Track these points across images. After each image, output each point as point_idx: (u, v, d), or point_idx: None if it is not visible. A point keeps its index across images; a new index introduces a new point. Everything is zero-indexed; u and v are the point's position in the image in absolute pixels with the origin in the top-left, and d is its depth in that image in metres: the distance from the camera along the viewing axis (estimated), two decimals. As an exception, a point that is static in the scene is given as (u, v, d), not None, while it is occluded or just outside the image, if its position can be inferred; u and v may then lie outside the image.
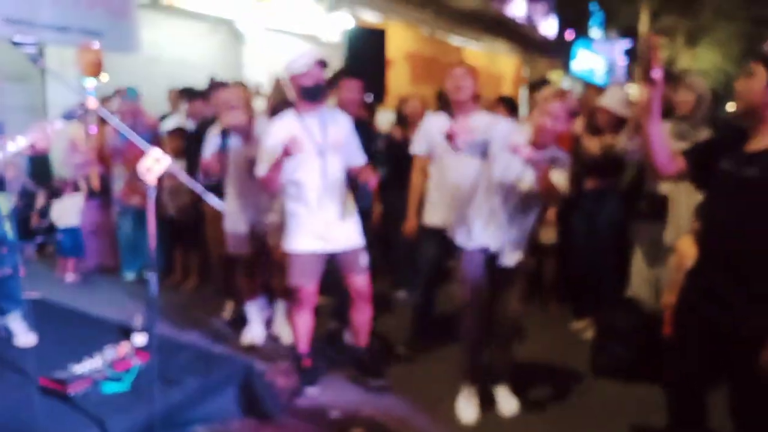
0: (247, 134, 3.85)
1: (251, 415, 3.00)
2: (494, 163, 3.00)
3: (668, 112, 3.91)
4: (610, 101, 4.07)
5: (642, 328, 3.60)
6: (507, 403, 3.28)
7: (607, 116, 4.05)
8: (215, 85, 4.83)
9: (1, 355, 3.04)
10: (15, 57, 2.91)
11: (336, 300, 4.16)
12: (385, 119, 6.09)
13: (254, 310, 4.16)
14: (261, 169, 3.24)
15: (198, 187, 2.67)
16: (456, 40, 14.19)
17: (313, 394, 3.38)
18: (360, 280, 3.44)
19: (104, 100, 5.87)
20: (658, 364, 2.60)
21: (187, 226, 5.18)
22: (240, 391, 3.00)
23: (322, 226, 3.29)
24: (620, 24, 23.52)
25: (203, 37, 9.07)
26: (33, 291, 3.61)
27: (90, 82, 5.24)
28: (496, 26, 15.99)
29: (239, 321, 4.35)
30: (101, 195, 5.66)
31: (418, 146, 3.86)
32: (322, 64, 3.26)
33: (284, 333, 4.12)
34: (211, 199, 2.66)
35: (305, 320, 3.44)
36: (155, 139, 5.32)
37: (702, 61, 19.91)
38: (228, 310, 4.63)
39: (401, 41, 11.06)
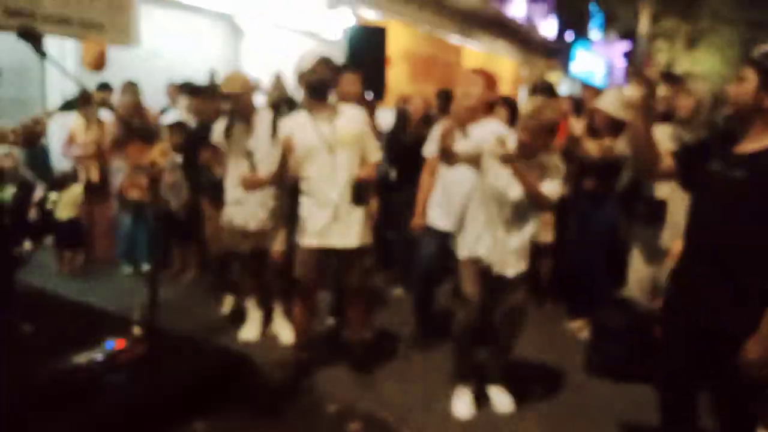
0: (249, 122, 3.85)
1: (248, 408, 3.02)
2: (487, 172, 3.03)
3: (669, 115, 3.94)
4: (606, 103, 4.09)
5: (637, 329, 3.63)
6: (501, 401, 3.31)
7: (604, 118, 4.07)
8: (213, 87, 4.86)
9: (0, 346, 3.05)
10: (13, 48, 2.91)
11: (333, 296, 4.19)
12: (385, 117, 6.10)
13: (253, 307, 4.18)
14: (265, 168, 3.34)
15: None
16: (455, 40, 14.20)
17: (309, 388, 3.40)
18: (358, 280, 3.47)
19: (104, 93, 5.88)
20: (652, 364, 2.63)
21: (185, 220, 5.19)
22: (237, 384, 3.02)
23: (329, 222, 3.31)
24: (620, 26, 23.57)
25: (202, 32, 9.06)
26: (32, 283, 3.62)
27: (92, 76, 5.27)
28: (495, 26, 16.02)
29: (238, 315, 4.37)
30: (100, 188, 5.66)
31: (429, 148, 3.85)
32: (327, 62, 3.27)
33: (281, 332, 4.13)
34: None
35: (305, 314, 3.46)
36: (155, 134, 5.33)
37: (701, 65, 19.96)
38: (227, 304, 4.65)
39: (401, 40, 11.07)
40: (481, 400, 3.35)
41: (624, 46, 25.34)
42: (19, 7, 5.79)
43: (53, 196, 5.39)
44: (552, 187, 2.92)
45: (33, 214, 5.76)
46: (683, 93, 3.77)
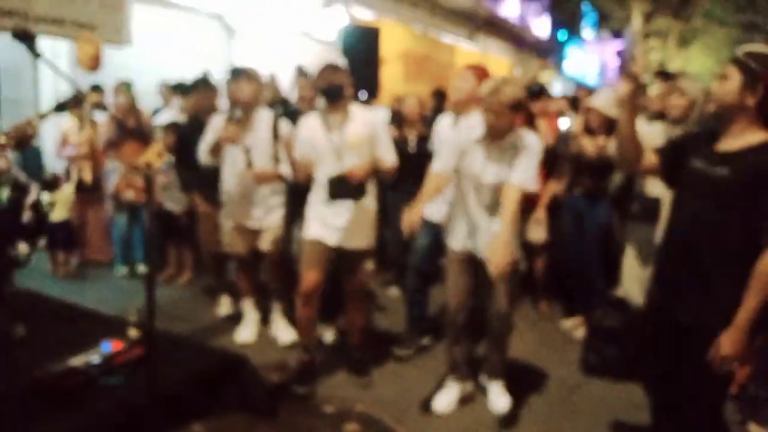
0: (249, 118, 3.84)
1: (246, 409, 3.01)
2: (462, 162, 3.05)
3: (662, 114, 3.96)
4: (600, 102, 4.11)
5: (632, 328, 3.64)
6: (498, 399, 3.31)
7: (598, 117, 4.09)
8: (207, 82, 4.83)
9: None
10: (6, 49, 2.89)
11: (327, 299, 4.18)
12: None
13: (250, 308, 4.17)
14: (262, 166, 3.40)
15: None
16: (449, 39, 14.21)
17: (307, 390, 3.40)
18: (358, 283, 3.49)
19: (97, 95, 5.86)
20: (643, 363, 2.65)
21: (180, 221, 5.18)
22: (235, 385, 3.01)
23: (333, 221, 3.34)
24: (613, 25, 23.62)
25: (195, 32, 9.04)
26: (26, 285, 3.60)
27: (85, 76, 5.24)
28: (488, 26, 16.04)
29: (235, 316, 4.36)
30: (93, 188, 5.64)
31: (439, 165, 3.84)
32: (333, 67, 3.27)
33: (280, 333, 4.12)
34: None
35: (307, 312, 3.45)
36: (149, 134, 5.32)
37: (693, 64, 20.06)
38: (223, 305, 4.64)
39: (394, 39, 11.05)
40: (479, 397, 3.36)
41: (617, 44, 25.42)
42: (12, 7, 5.77)
43: (47, 197, 5.37)
44: (524, 175, 2.91)
45: (27, 215, 5.74)
46: (676, 92, 3.78)
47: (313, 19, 10.31)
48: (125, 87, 5.61)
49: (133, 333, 3.01)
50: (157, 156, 1.93)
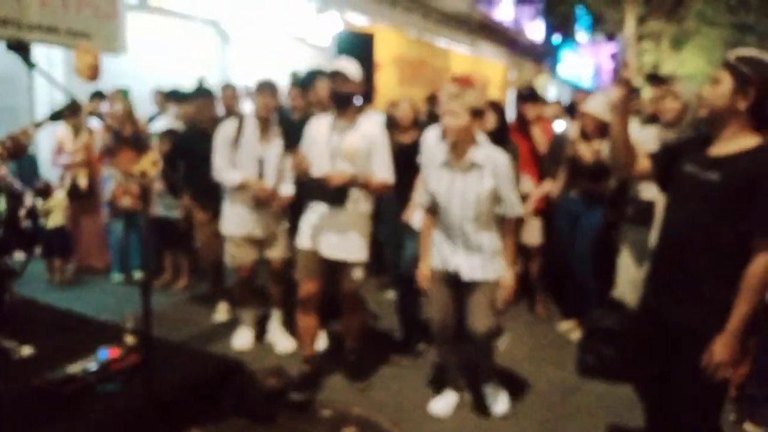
0: (266, 130, 3.86)
1: (243, 415, 3.02)
2: (428, 178, 3.12)
3: (655, 117, 3.98)
4: (594, 107, 4.13)
5: (628, 329, 3.65)
6: (496, 403, 3.32)
7: (593, 121, 4.11)
8: (206, 90, 4.85)
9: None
10: (1, 57, 2.90)
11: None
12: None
13: (247, 317, 4.16)
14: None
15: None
16: (443, 44, 14.25)
17: (304, 394, 3.40)
18: (350, 292, 3.49)
19: (96, 102, 5.87)
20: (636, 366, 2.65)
21: (176, 227, 5.19)
22: (232, 391, 3.02)
23: (323, 228, 3.34)
24: (607, 28, 23.72)
25: (190, 39, 9.06)
26: (22, 293, 3.60)
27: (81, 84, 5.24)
28: (482, 30, 16.10)
29: (232, 322, 4.37)
30: (88, 195, 5.64)
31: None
32: (342, 75, 3.27)
33: (278, 341, 4.12)
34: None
35: (307, 322, 3.47)
36: (145, 141, 5.33)
37: (687, 66, 20.15)
38: (221, 311, 4.64)
39: (389, 44, 11.08)
40: (477, 401, 3.37)
41: (611, 47, 25.52)
42: (6, 16, 5.78)
43: (41, 204, 5.36)
44: (513, 204, 3.03)
45: (23, 223, 5.72)
46: (670, 95, 3.80)
47: (307, 24, 10.35)
48: (122, 94, 5.63)
49: (129, 340, 3.01)
50: (152, 165, 1.95)
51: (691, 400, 2.20)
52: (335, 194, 3.23)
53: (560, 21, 21.87)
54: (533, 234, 4.78)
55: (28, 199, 5.42)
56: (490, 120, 4.41)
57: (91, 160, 5.60)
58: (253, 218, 3.89)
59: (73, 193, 5.51)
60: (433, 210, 3.16)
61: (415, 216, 3.77)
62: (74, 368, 2.72)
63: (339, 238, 3.35)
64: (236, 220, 3.91)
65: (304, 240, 3.41)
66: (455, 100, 2.90)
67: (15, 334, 3.16)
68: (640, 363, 2.45)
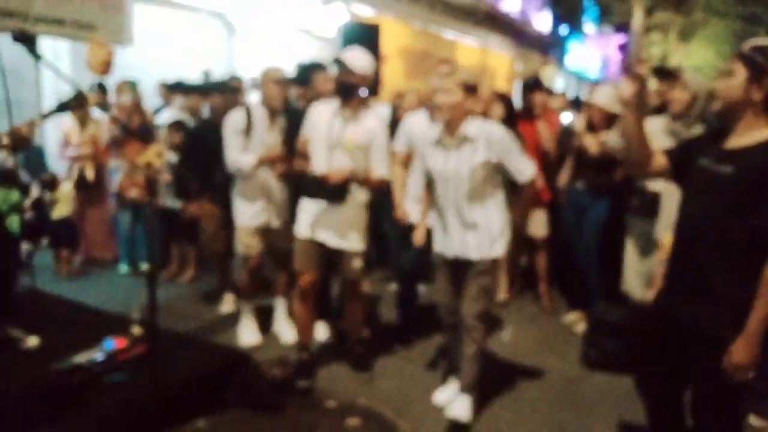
0: (274, 118, 3.86)
1: (249, 405, 3.04)
2: (423, 160, 3.12)
3: (663, 108, 3.96)
4: (601, 98, 4.12)
5: (632, 322, 3.66)
6: (457, 407, 3.10)
7: (600, 113, 4.10)
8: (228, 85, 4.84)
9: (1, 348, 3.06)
10: (7, 49, 2.91)
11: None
12: (381, 114, 6.11)
13: (248, 311, 4.13)
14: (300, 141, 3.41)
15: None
16: (449, 35, 14.19)
17: (309, 385, 3.42)
18: (352, 281, 3.51)
19: (101, 93, 5.88)
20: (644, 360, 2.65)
21: (183, 218, 5.20)
22: (237, 381, 3.04)
23: (322, 219, 3.34)
24: (614, 19, 23.58)
25: (196, 31, 9.05)
26: (30, 284, 3.62)
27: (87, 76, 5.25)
28: (489, 21, 16.00)
29: (239, 314, 4.38)
30: (96, 187, 5.66)
31: (398, 143, 3.90)
32: (341, 64, 3.25)
33: (283, 331, 4.13)
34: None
35: (303, 310, 3.47)
36: (152, 133, 5.34)
37: (695, 58, 20.02)
38: (227, 302, 4.65)
39: (395, 36, 11.06)
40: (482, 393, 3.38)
41: (619, 38, 25.35)
42: (12, 8, 5.78)
43: (48, 195, 5.39)
44: (524, 167, 3.00)
45: (29, 214, 5.75)
46: (679, 86, 3.77)
47: (313, 16, 10.32)
48: (130, 86, 5.63)
49: (136, 330, 3.04)
50: (156, 156, 1.95)
51: (706, 400, 2.16)
52: (334, 191, 3.22)
53: (567, 12, 21.71)
54: (539, 226, 4.78)
55: (35, 191, 5.47)
56: (498, 111, 4.41)
57: (98, 152, 5.62)
58: (268, 208, 3.90)
59: (81, 184, 5.54)
60: (430, 189, 3.19)
61: (409, 210, 3.76)
62: (81, 358, 2.75)
63: (337, 227, 3.36)
64: (251, 211, 3.89)
65: (302, 229, 3.41)
66: (447, 78, 2.93)
67: (22, 325, 3.19)
68: (649, 360, 2.41)
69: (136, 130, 5.20)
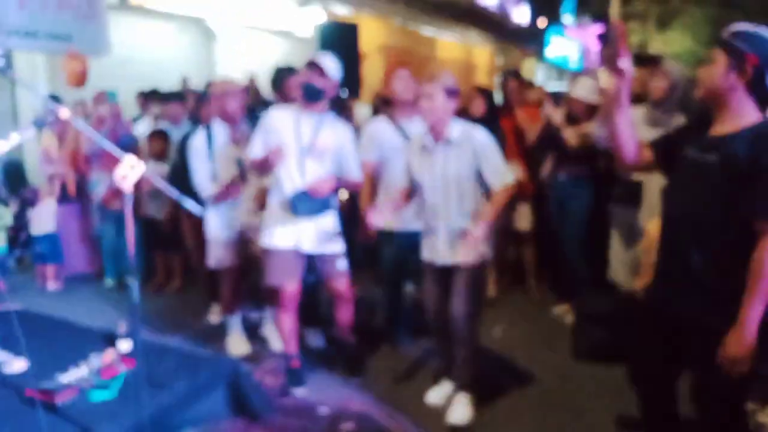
0: (234, 129, 3.80)
1: (240, 415, 3.00)
2: (413, 171, 3.11)
3: (642, 97, 3.97)
4: (581, 91, 4.13)
5: (620, 311, 3.67)
6: (457, 409, 3.13)
7: (580, 106, 4.11)
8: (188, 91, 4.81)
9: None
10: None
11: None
12: (362, 114, 6.09)
13: (235, 323, 4.09)
14: (248, 156, 3.31)
15: (175, 192, 2.63)
16: (428, 31, 14.19)
17: (301, 392, 3.40)
18: (338, 284, 3.45)
19: (79, 105, 5.82)
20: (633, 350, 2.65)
21: (167, 229, 5.15)
22: (228, 391, 3.01)
23: (295, 224, 3.28)
24: (592, 9, 23.66)
25: (174, 37, 8.99)
26: (13, 302, 3.56)
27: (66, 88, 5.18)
28: (468, 16, 16.02)
29: (225, 324, 4.34)
30: (78, 200, 5.60)
31: (365, 153, 3.76)
32: (314, 65, 3.21)
33: (272, 339, 4.09)
34: (190, 205, 2.61)
35: (289, 321, 3.43)
36: (132, 143, 5.28)
37: (673, 45, 20.13)
38: (214, 312, 4.61)
39: (374, 34, 11.05)
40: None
41: (597, 28, 25.45)
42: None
43: (30, 211, 5.33)
44: (499, 173, 2.95)
45: (10, 231, 5.69)
46: (658, 74, 3.77)
47: (290, 17, 10.28)
48: (108, 97, 5.57)
49: (123, 345, 3.00)
50: (131, 168, 1.92)
51: (707, 390, 2.15)
52: (322, 204, 3.22)
53: (545, 4, 21.78)
54: (524, 220, 4.78)
55: (13, 207, 5.39)
56: (479, 105, 4.41)
57: (78, 164, 5.56)
58: (239, 219, 3.85)
59: (63, 198, 5.48)
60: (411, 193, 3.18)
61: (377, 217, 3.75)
62: (67, 376, 2.70)
63: (317, 232, 3.31)
64: (220, 223, 3.85)
65: (280, 240, 3.31)
66: (430, 83, 2.93)
67: (5, 343, 3.13)
68: (643, 352, 2.40)
69: (114, 142, 5.14)
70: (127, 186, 1.94)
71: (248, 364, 3.55)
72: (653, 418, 2.43)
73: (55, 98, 5.81)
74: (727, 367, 1.97)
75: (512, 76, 5.12)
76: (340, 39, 6.07)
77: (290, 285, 3.35)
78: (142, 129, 5.55)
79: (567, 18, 25.31)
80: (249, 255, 3.93)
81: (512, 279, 5.16)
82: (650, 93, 3.78)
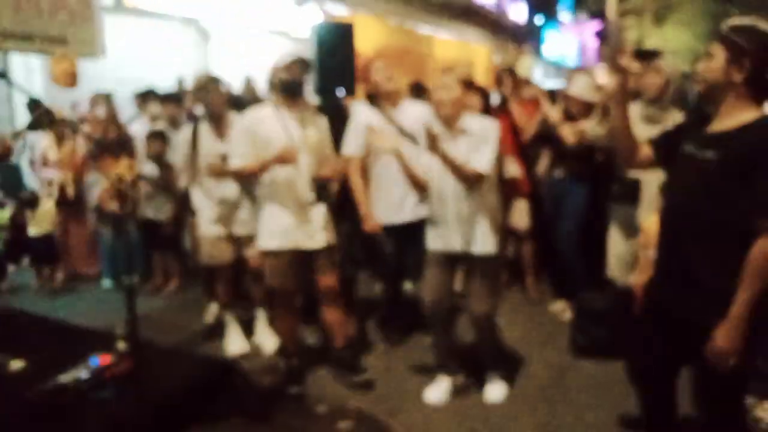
0: (220, 127, 3.81)
1: (239, 415, 3.01)
2: (426, 160, 3.10)
3: (637, 94, 3.98)
4: (577, 89, 4.13)
5: (617, 308, 3.67)
6: (491, 390, 3.33)
7: (577, 104, 4.12)
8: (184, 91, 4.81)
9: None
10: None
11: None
12: (359, 113, 6.08)
13: (232, 320, 4.10)
14: (236, 162, 3.28)
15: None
16: (426, 30, 14.18)
17: (298, 391, 3.40)
18: (329, 280, 3.42)
19: (75, 107, 5.82)
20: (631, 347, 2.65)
21: (167, 230, 5.16)
22: (226, 392, 3.01)
23: (292, 224, 3.29)
24: (589, 6, 23.67)
25: (169, 38, 8.97)
26: (11, 303, 3.57)
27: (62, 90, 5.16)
28: (465, 14, 16.02)
29: (223, 324, 4.35)
30: (75, 202, 5.60)
31: (351, 146, 3.78)
32: (303, 62, 3.26)
33: (265, 341, 4.08)
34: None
35: (288, 321, 3.44)
36: (129, 145, 5.28)
37: (670, 41, 20.11)
38: (210, 313, 4.61)
39: (371, 33, 11.01)
40: (471, 388, 3.38)
41: (594, 25, 25.47)
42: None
43: (29, 214, 5.33)
44: (481, 159, 2.96)
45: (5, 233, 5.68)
46: (652, 70, 3.78)
47: (287, 17, 10.27)
48: (104, 98, 5.56)
49: (121, 346, 2.99)
50: (128, 169, 1.92)
51: (707, 388, 2.14)
52: (329, 190, 3.32)
53: (542, 1, 21.80)
54: (521, 217, 4.78)
55: (9, 209, 5.38)
56: (475, 103, 4.41)
57: (76, 167, 5.55)
58: (230, 216, 3.86)
59: (62, 201, 5.47)
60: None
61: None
62: (66, 378, 2.70)
63: (312, 227, 3.33)
64: (211, 219, 3.87)
65: (278, 241, 3.31)
66: (446, 74, 3.00)
67: (4, 346, 3.13)
68: (642, 349, 2.40)
69: (111, 143, 5.14)
70: (125, 186, 1.95)
71: (246, 363, 3.55)
72: (653, 414, 2.44)
73: (36, 102, 5.79)
74: (715, 361, 1.97)
75: (507, 73, 5.14)
76: (337, 38, 6.05)
77: (289, 285, 3.36)
78: (138, 129, 5.53)
79: (564, 15, 25.32)
80: (241, 256, 3.94)
81: (510, 276, 5.16)
82: (645, 90, 3.79)
